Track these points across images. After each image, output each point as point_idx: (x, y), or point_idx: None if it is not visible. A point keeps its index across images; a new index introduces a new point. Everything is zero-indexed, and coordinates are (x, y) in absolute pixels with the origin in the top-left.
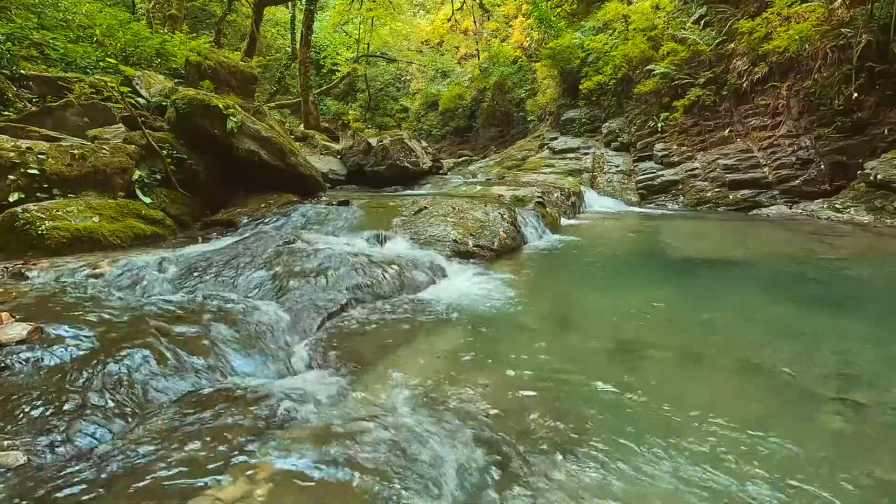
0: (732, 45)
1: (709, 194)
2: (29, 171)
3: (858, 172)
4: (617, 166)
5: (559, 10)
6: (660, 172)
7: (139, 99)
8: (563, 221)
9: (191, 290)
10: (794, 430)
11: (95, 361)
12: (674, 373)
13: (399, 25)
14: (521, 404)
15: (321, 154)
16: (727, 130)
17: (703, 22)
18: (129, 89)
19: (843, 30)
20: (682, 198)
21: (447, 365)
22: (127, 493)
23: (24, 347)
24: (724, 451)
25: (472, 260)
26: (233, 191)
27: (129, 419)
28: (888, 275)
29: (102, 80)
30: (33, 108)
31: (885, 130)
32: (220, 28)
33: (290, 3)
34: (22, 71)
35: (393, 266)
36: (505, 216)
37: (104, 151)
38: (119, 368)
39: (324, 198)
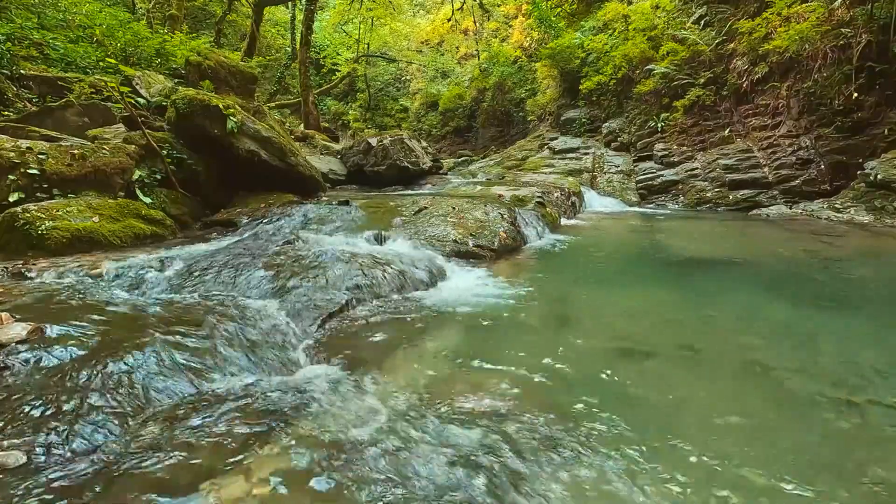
0: (732, 45)
1: (709, 194)
2: (29, 171)
3: (858, 172)
4: (617, 166)
5: (559, 10)
6: (660, 172)
7: (139, 99)
8: (564, 221)
9: (191, 290)
10: (794, 430)
11: (95, 361)
12: (674, 372)
13: (399, 25)
14: (520, 403)
15: (321, 154)
16: (727, 130)
17: (703, 22)
18: (129, 89)
19: (843, 30)
20: (682, 198)
21: (446, 364)
22: (127, 494)
23: (24, 347)
24: (723, 450)
25: (472, 260)
26: (233, 191)
27: (129, 419)
28: (888, 275)
29: (102, 80)
30: (33, 108)
31: (885, 130)
32: (220, 28)
33: (290, 3)
34: (22, 71)
35: (393, 266)
36: (505, 216)
37: (104, 151)
38: (119, 368)
39: (324, 198)
